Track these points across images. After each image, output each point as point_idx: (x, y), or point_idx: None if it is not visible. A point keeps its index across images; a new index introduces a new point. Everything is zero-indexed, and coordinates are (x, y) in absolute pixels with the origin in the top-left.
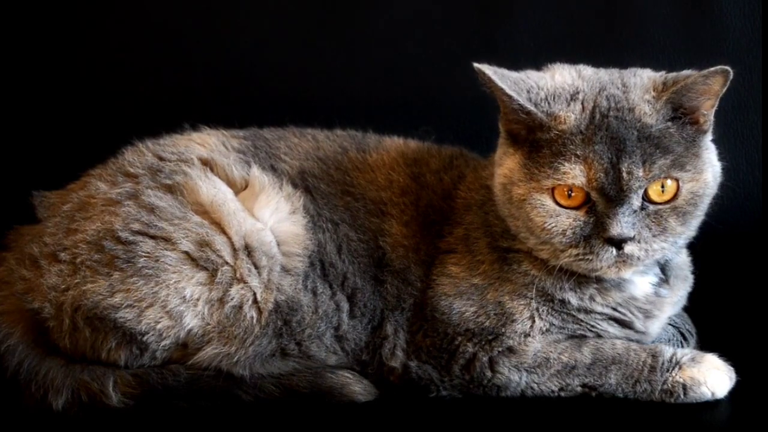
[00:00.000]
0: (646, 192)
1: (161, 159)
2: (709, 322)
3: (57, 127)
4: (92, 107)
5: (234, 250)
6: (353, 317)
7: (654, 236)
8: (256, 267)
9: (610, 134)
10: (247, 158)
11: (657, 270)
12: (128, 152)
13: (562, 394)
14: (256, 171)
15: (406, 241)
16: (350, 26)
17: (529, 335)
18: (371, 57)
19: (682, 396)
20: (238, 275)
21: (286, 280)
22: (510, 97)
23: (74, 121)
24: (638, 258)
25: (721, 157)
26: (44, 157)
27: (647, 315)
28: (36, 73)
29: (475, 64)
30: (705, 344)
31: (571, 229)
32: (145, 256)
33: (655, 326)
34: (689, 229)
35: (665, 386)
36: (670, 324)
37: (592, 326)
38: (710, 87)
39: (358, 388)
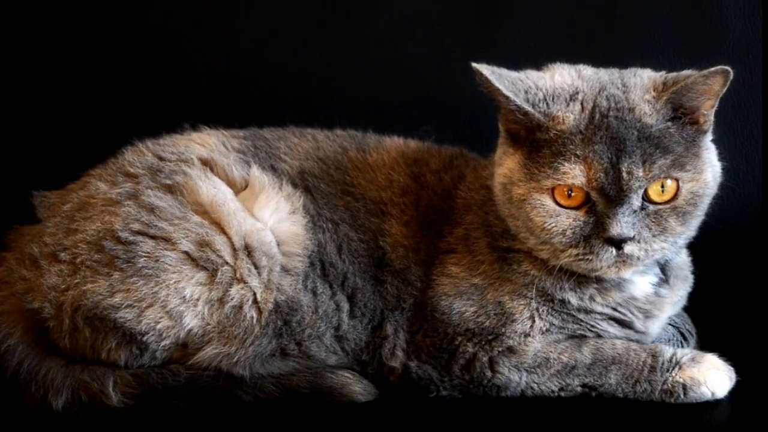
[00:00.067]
0: (646, 192)
1: (161, 159)
2: (709, 322)
3: (57, 127)
4: (92, 107)
5: (234, 250)
6: (353, 317)
7: (654, 236)
8: (256, 267)
9: (610, 134)
10: (247, 158)
11: (657, 270)
12: (128, 152)
13: (562, 394)
14: (256, 171)
15: (406, 241)
16: (350, 26)
17: (529, 335)
18: (371, 57)
19: (682, 396)
20: (238, 275)
21: (286, 280)
22: (507, 97)
23: (74, 121)
24: (638, 258)
25: (721, 157)
26: (44, 157)
27: (647, 315)
28: (36, 73)
29: (473, 64)
30: (705, 344)
31: (571, 229)
32: (145, 256)
33: (655, 326)
34: (689, 229)
35: (665, 386)
36: (670, 324)
37: (592, 326)
38: (710, 87)
39: (358, 388)
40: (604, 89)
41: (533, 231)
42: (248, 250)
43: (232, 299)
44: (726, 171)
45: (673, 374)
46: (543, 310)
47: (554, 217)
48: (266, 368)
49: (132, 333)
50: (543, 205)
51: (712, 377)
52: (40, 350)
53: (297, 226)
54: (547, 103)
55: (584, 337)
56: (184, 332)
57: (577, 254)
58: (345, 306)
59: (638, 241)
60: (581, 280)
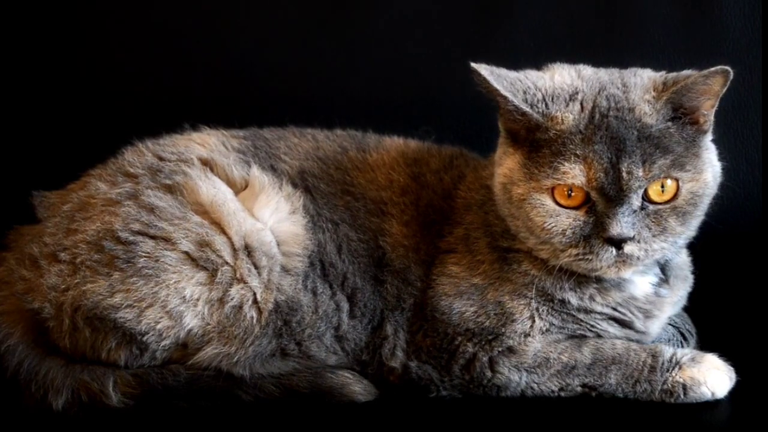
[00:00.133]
0: (645, 192)
1: (161, 159)
2: (709, 322)
3: (57, 127)
4: (92, 107)
5: (234, 250)
6: (353, 317)
7: (654, 236)
8: (256, 267)
9: (609, 134)
10: (247, 158)
11: (657, 270)
12: (128, 152)
13: (562, 394)
14: (256, 171)
15: (406, 241)
16: (350, 26)
17: (529, 335)
18: (371, 57)
19: (682, 396)
20: (238, 275)
21: (286, 280)
22: (505, 98)
23: (74, 121)
24: (638, 258)
25: (721, 157)
26: (44, 157)
27: (647, 315)
28: (36, 73)
29: (472, 64)
30: (705, 344)
31: (571, 228)
32: (145, 256)
33: (655, 326)
34: (689, 229)
35: (665, 386)
36: (670, 324)
37: (592, 326)
38: (710, 87)
39: (358, 388)
40: (604, 89)
41: (533, 231)
42: (248, 250)
43: (232, 299)
44: (726, 171)
45: (673, 374)
46: (543, 310)
47: (554, 216)
48: (266, 368)
49: (132, 333)
50: (543, 204)
51: (712, 377)
52: (40, 350)
53: (297, 226)
54: (546, 104)
55: (584, 337)
56: (184, 332)
57: (577, 254)
58: (345, 306)
59: (638, 241)
60: (581, 280)
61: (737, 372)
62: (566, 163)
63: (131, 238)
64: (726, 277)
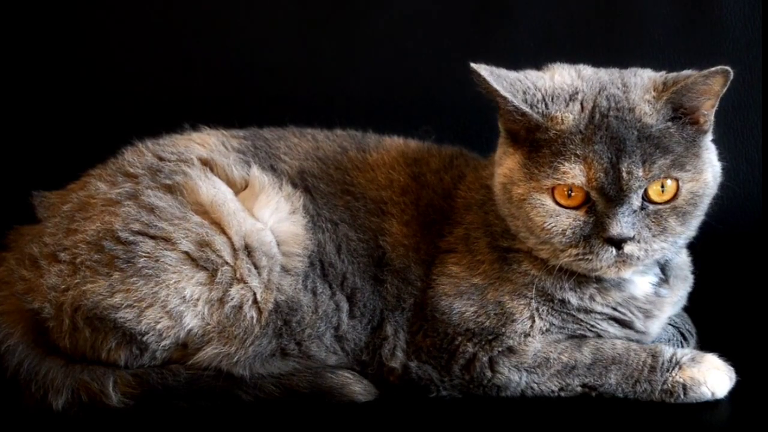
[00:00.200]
0: (645, 192)
1: (161, 159)
2: (709, 322)
3: (57, 127)
4: (92, 107)
5: (234, 250)
6: (353, 317)
7: (654, 236)
8: (256, 267)
9: (609, 134)
10: (247, 158)
11: (657, 270)
12: (128, 152)
13: (562, 394)
14: (256, 171)
15: (406, 241)
16: (350, 26)
17: (529, 335)
18: (371, 57)
19: (682, 396)
20: (238, 275)
21: (286, 280)
22: (505, 98)
23: (74, 121)
24: (638, 258)
25: (721, 157)
26: (44, 157)
27: (647, 315)
28: (36, 73)
29: (471, 64)
30: (705, 344)
31: (571, 228)
32: (145, 256)
33: (655, 326)
34: (689, 229)
35: (665, 386)
36: (670, 324)
37: (592, 326)
38: (710, 87)
39: (358, 388)
40: (604, 89)
41: (533, 231)
42: (248, 250)
43: (232, 299)
44: (726, 171)
45: (673, 374)
46: (543, 310)
47: (554, 216)
48: (266, 368)
49: (132, 333)
50: (543, 204)
51: (712, 377)
52: (40, 350)
53: (297, 226)
54: (546, 104)
55: (584, 337)
56: (184, 332)
57: (577, 254)
58: (344, 306)
59: (638, 241)
60: (581, 279)
61: (737, 372)
62: (566, 163)
63: (131, 238)
64: (726, 277)
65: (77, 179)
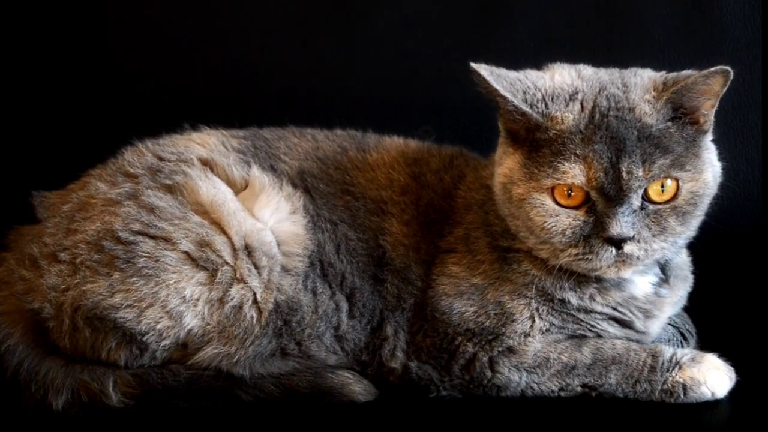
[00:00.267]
0: (645, 192)
1: (161, 159)
2: (709, 322)
3: (57, 127)
4: (92, 107)
5: (234, 250)
6: (352, 317)
7: (654, 236)
8: (256, 267)
9: (609, 134)
10: (247, 158)
11: (657, 270)
12: (128, 152)
13: (562, 394)
14: (256, 171)
15: (406, 240)
16: (350, 26)
17: (529, 335)
18: (371, 57)
19: (682, 396)
20: (238, 275)
21: (286, 280)
22: (505, 98)
23: (74, 121)
24: (638, 258)
25: (721, 157)
26: (44, 157)
27: (647, 315)
28: (36, 73)
29: (471, 64)
30: (705, 344)
31: (571, 228)
32: (145, 256)
33: (655, 326)
34: (689, 229)
35: (665, 386)
36: (670, 324)
37: (592, 326)
38: (710, 87)
39: (358, 388)
40: (604, 89)
41: (533, 230)
42: (248, 250)
43: (232, 299)
44: (726, 171)
45: (673, 374)
46: (543, 310)
47: (554, 216)
48: (266, 368)
49: (132, 333)
50: (543, 204)
51: (712, 377)
52: (40, 350)
53: (297, 226)
54: (546, 104)
55: (584, 337)
56: (184, 332)
57: (577, 254)
58: (344, 306)
59: (638, 241)
60: (581, 279)
61: (737, 372)
62: (566, 163)
63: (131, 238)
64: (726, 277)
65: (77, 179)
